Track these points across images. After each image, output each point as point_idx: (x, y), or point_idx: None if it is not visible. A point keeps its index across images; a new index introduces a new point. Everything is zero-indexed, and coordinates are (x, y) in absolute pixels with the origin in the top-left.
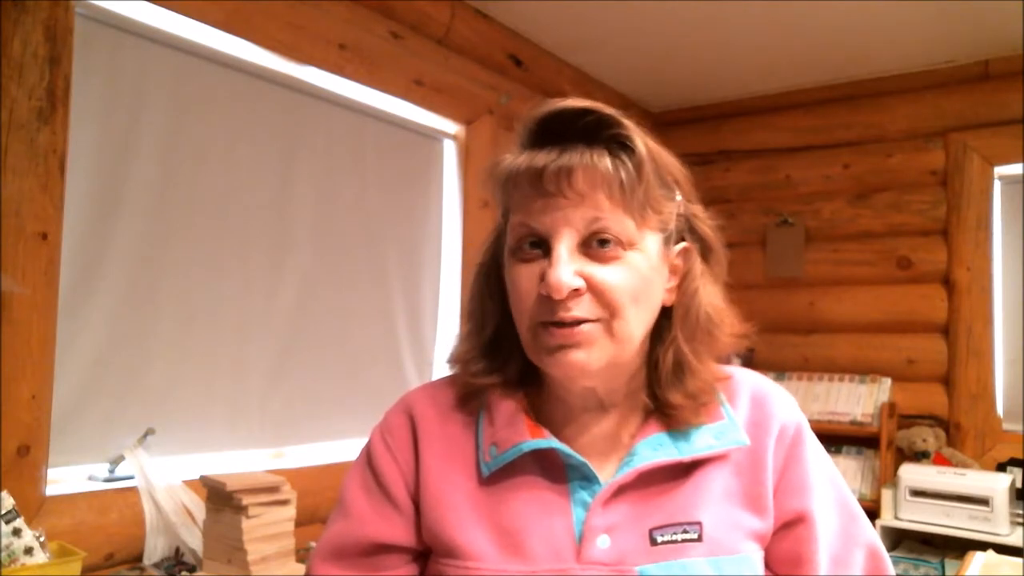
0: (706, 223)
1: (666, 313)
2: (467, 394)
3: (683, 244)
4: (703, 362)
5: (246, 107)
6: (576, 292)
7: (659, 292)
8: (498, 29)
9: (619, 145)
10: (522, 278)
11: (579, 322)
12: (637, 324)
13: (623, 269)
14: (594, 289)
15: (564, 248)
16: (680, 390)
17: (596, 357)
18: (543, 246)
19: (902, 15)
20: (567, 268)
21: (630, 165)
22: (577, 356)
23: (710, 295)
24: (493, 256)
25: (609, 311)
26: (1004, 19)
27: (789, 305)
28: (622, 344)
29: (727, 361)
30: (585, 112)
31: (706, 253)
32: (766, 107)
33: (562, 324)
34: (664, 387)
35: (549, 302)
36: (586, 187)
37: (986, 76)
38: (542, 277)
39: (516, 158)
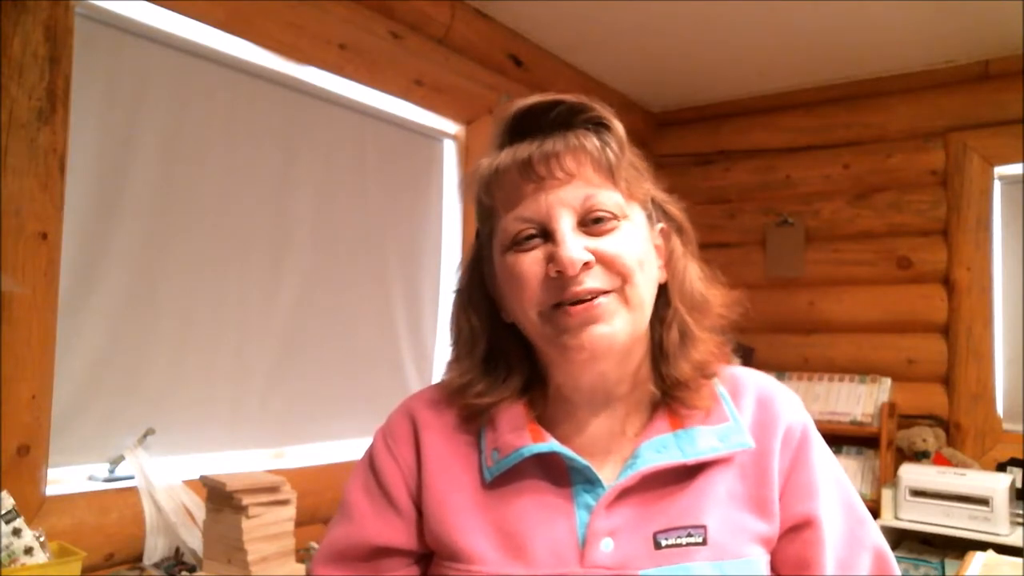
0: (675, 205)
1: (660, 292)
2: (470, 415)
3: (660, 226)
4: (704, 332)
5: (246, 107)
6: (587, 265)
7: (655, 264)
8: (498, 29)
9: (596, 126)
10: (524, 264)
11: (594, 294)
12: (647, 289)
13: (623, 236)
14: (602, 260)
15: (566, 226)
16: (687, 360)
17: (620, 328)
18: (541, 234)
19: (902, 15)
20: (575, 243)
21: (612, 141)
22: (602, 330)
23: (695, 271)
24: (471, 278)
25: (621, 278)
26: (1004, 19)
27: (789, 305)
28: (637, 311)
29: (728, 361)
30: (555, 104)
31: (680, 234)
32: (766, 107)
33: (578, 301)
34: (671, 361)
35: (559, 282)
36: (574, 166)
37: (986, 76)
38: (548, 260)
39: (496, 156)
